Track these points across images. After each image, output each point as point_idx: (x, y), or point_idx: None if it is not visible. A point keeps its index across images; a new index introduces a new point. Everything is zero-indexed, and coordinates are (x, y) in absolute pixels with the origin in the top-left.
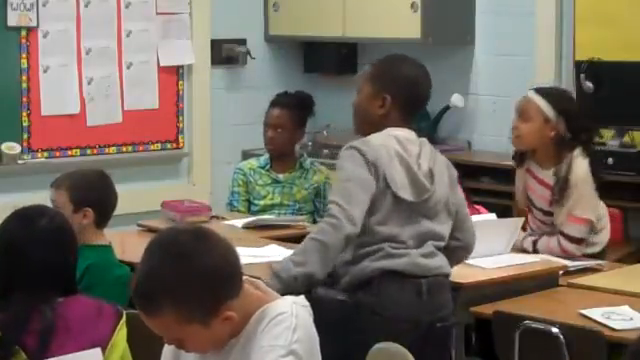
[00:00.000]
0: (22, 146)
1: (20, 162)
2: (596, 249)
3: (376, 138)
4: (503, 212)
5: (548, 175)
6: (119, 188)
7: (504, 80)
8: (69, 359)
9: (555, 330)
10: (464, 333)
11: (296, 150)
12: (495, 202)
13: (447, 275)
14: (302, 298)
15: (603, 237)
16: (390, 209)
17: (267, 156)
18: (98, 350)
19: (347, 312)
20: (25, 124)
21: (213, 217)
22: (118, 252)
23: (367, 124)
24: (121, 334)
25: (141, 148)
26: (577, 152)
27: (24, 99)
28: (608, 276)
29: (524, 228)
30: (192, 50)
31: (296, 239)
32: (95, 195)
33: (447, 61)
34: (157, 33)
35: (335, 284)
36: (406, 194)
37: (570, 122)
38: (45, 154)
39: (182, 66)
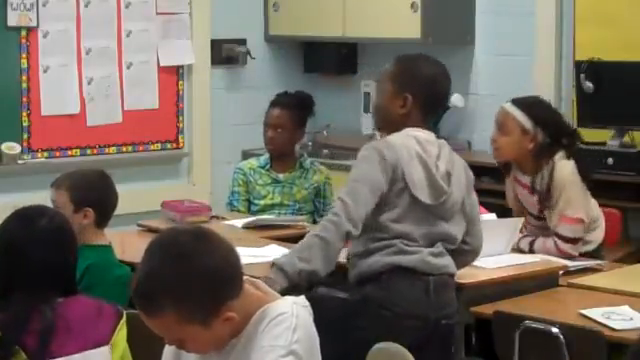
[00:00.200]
0: (22, 146)
1: (20, 162)
2: (590, 247)
3: (396, 138)
4: (503, 212)
5: (538, 183)
6: (119, 188)
7: (504, 80)
8: (77, 359)
9: (555, 330)
10: (464, 333)
11: (296, 150)
12: (495, 202)
13: (452, 275)
14: (302, 298)
15: (597, 235)
16: (406, 208)
17: (267, 156)
18: (106, 348)
19: (348, 310)
20: (25, 124)
21: (213, 217)
22: (118, 252)
23: (388, 123)
24: (121, 334)
25: (141, 148)
26: (559, 156)
27: (24, 99)
28: (608, 276)
29: (520, 230)
30: (192, 50)
31: (296, 239)
32: (95, 195)
33: (447, 61)
34: (157, 33)
35: (337, 282)
36: (423, 196)
37: (549, 130)
38: (45, 154)
39: (182, 66)
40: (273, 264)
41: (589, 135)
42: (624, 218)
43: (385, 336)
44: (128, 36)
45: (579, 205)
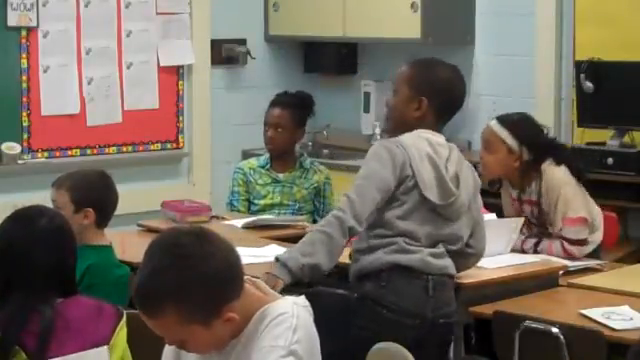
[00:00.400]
0: (22, 146)
1: (20, 162)
2: (589, 248)
3: (408, 138)
4: (503, 212)
5: (527, 194)
6: (119, 188)
7: (504, 80)
8: (74, 358)
9: (555, 330)
10: (464, 333)
11: (296, 150)
12: (495, 202)
13: (451, 276)
14: (302, 299)
15: (596, 237)
16: (413, 207)
17: (267, 156)
18: (104, 348)
19: (347, 306)
20: (25, 124)
21: (213, 217)
22: (118, 252)
23: (402, 125)
24: (121, 334)
25: (141, 148)
26: (547, 163)
27: (24, 99)
28: (608, 276)
29: (520, 231)
30: (192, 50)
31: (296, 239)
32: (96, 195)
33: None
34: (157, 33)
35: (336, 283)
36: (432, 195)
37: (534, 149)
38: (45, 154)
39: (182, 66)
40: (277, 260)
41: (589, 135)
42: (624, 218)
43: (382, 334)
44: (128, 36)
45: (579, 204)
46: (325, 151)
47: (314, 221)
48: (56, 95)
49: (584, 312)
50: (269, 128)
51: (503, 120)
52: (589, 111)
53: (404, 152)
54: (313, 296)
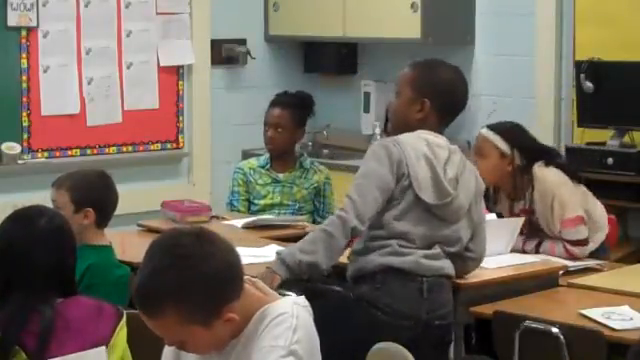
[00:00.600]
0: (22, 146)
1: (20, 162)
2: (592, 247)
3: (406, 137)
4: None
5: (521, 204)
6: (119, 188)
7: (504, 80)
8: (73, 358)
9: (555, 330)
10: (464, 333)
11: (296, 150)
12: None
13: (448, 277)
14: (302, 299)
15: (600, 236)
16: (408, 207)
17: (267, 156)
18: (102, 349)
19: (345, 303)
20: (25, 124)
21: (213, 217)
22: (118, 252)
23: (404, 126)
24: (121, 334)
25: (141, 148)
26: (536, 168)
27: (24, 99)
28: (608, 276)
29: (520, 232)
30: (192, 50)
31: (296, 239)
32: (96, 195)
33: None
34: (157, 33)
35: (340, 275)
36: (426, 196)
37: (525, 152)
38: (45, 154)
39: (182, 66)
40: (277, 255)
41: (589, 135)
42: (624, 218)
43: (377, 335)
44: (128, 36)
45: (574, 204)
46: (325, 151)
47: (314, 221)
48: (56, 95)
49: (584, 312)
50: (269, 128)
51: (493, 127)
52: (589, 111)
53: (400, 150)
54: (312, 293)
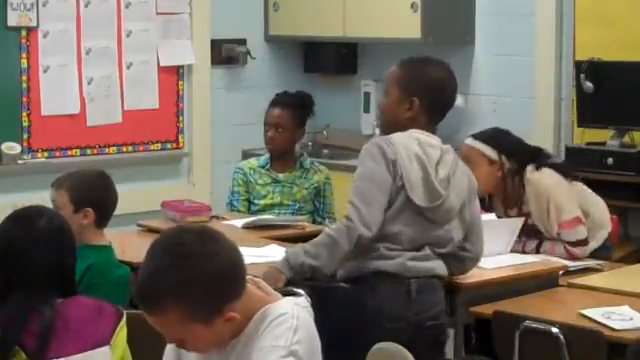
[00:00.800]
0: (22, 146)
1: (20, 162)
2: (593, 246)
3: (398, 137)
4: None
5: (514, 210)
6: (119, 188)
7: (504, 80)
8: (78, 359)
9: (555, 330)
10: (464, 333)
11: (296, 150)
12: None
13: (440, 277)
14: (303, 299)
15: (602, 234)
16: (400, 208)
17: (267, 156)
18: (107, 348)
19: (347, 297)
20: (25, 124)
21: (213, 217)
22: (118, 252)
23: (394, 126)
24: (121, 334)
25: (141, 148)
26: (528, 173)
27: (24, 99)
28: (608, 276)
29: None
30: (192, 50)
31: (296, 239)
32: (95, 195)
33: (447, 61)
34: (157, 33)
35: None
36: (418, 198)
37: (514, 155)
38: (45, 154)
39: (182, 66)
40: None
41: (589, 135)
42: (624, 218)
43: (368, 338)
44: (128, 36)
45: (570, 206)
46: (325, 151)
47: (314, 221)
48: (56, 95)
49: (584, 312)
50: (269, 128)
51: (477, 136)
52: (589, 111)
53: (394, 150)
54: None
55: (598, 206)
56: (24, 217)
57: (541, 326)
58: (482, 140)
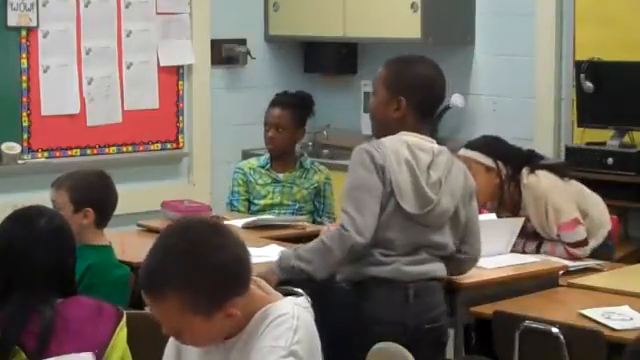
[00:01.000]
0: (22, 146)
1: (20, 162)
2: (593, 245)
3: (389, 141)
4: None
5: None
6: (119, 188)
7: (504, 80)
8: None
9: (555, 330)
10: (464, 333)
11: (296, 150)
12: None
13: (438, 279)
14: (303, 299)
15: (602, 234)
16: (392, 213)
17: (267, 156)
18: (89, 354)
19: (346, 298)
20: (25, 124)
21: (213, 217)
22: (118, 252)
23: (384, 127)
24: (121, 335)
25: (141, 148)
26: (524, 177)
27: (24, 99)
28: (608, 276)
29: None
30: (192, 50)
31: (296, 239)
32: (95, 195)
33: (447, 61)
34: (157, 33)
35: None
36: (408, 205)
37: (509, 161)
38: (45, 154)
39: (182, 66)
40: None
41: (589, 135)
42: (624, 218)
43: (365, 338)
44: (128, 36)
45: (568, 207)
46: (325, 151)
47: (314, 221)
48: (56, 95)
49: (584, 312)
50: (270, 128)
51: (470, 145)
52: (589, 111)
53: (383, 155)
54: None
55: (597, 206)
56: (24, 217)
57: (541, 326)
58: (476, 149)
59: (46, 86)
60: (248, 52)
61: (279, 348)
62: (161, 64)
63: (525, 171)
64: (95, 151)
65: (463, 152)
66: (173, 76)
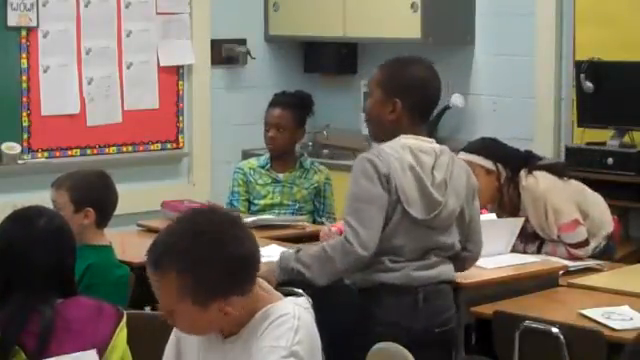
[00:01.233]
0: (22, 146)
1: (20, 162)
2: (594, 244)
3: (390, 148)
4: None
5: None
6: (119, 188)
7: (504, 80)
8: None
9: (555, 330)
10: (464, 333)
11: (296, 150)
12: None
13: (448, 282)
14: (304, 299)
15: (602, 233)
16: (399, 220)
17: (267, 156)
18: (93, 352)
19: (351, 298)
20: (25, 124)
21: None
22: (118, 252)
23: (381, 130)
24: (121, 335)
25: (141, 148)
26: (522, 179)
27: (24, 99)
28: (608, 276)
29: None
30: (192, 50)
31: (296, 239)
32: (96, 195)
33: (447, 61)
34: (157, 33)
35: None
36: (415, 211)
37: (507, 162)
38: (45, 154)
39: (182, 66)
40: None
41: (589, 135)
42: (624, 218)
43: (367, 338)
44: (128, 36)
45: (568, 208)
46: (325, 151)
47: (314, 221)
48: (56, 95)
49: (584, 312)
50: (270, 128)
51: (468, 148)
52: (589, 111)
53: (386, 163)
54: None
55: (598, 206)
56: (24, 217)
57: (541, 326)
58: (475, 152)
59: (46, 86)
60: (248, 52)
61: (280, 348)
62: (161, 64)
63: (523, 173)
64: (95, 151)
65: (463, 156)
66: (173, 76)
